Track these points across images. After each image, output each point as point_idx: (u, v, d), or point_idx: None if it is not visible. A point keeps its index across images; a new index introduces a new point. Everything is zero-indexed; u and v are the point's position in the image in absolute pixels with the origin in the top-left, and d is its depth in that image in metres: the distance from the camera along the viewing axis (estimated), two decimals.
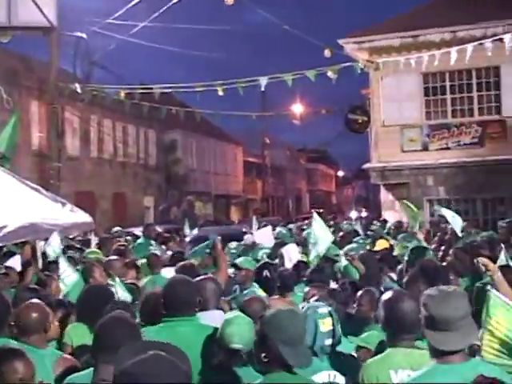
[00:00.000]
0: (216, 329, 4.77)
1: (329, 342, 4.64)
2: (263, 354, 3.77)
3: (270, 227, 15.44)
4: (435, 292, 3.81)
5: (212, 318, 5.22)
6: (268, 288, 7.54)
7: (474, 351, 4.25)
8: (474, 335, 3.81)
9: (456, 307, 3.71)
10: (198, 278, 5.83)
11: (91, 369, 4.03)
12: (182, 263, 7.97)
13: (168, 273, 8.64)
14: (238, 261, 8.65)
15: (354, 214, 27.18)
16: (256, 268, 8.21)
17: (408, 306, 4.29)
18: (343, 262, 8.78)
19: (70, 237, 13.53)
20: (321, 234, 7.40)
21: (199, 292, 5.38)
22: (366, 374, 4.25)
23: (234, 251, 11.70)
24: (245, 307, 5.42)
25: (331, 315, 4.75)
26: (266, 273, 7.81)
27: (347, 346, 5.06)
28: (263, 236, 13.87)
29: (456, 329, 3.66)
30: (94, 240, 13.70)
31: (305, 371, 3.98)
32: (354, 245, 10.40)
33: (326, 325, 4.67)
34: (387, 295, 4.46)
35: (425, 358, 3.91)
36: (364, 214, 44.98)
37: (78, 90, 22.06)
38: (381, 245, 11.87)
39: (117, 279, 7.55)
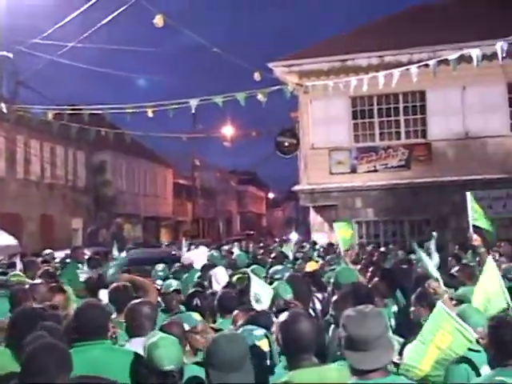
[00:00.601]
0: (129, 351, 4.75)
1: (266, 362, 4.62)
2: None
3: (205, 248, 15.40)
4: (353, 313, 3.84)
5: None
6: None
7: None
8: (391, 354, 3.85)
9: (371, 327, 3.74)
10: (132, 302, 5.75)
11: None
12: (115, 285, 7.82)
13: (104, 295, 8.46)
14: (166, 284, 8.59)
15: (294, 236, 27.27)
16: (186, 296, 8.12)
17: (305, 326, 4.24)
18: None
19: None
20: (260, 291, 7.30)
21: (134, 316, 5.33)
22: None
23: (160, 273, 11.52)
24: (166, 330, 5.34)
25: (267, 337, 4.73)
26: (196, 301, 7.71)
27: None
28: (198, 256, 13.80)
29: (373, 348, 3.69)
30: (19, 263, 13.37)
31: None
32: (278, 267, 10.39)
33: (262, 346, 4.65)
34: (283, 317, 4.41)
35: (334, 373, 3.93)
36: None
37: (4, 110, 21.63)
38: (311, 266, 11.90)
39: None
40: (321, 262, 13.08)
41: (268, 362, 4.63)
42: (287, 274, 8.93)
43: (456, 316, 4.51)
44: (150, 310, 5.66)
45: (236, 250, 18.84)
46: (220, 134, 38.42)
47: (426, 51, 21.26)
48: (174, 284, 8.48)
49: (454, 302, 6.48)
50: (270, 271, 9.38)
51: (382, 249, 16.61)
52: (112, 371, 4.60)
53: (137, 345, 5.13)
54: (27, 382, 3.83)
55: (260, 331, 4.79)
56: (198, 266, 12.48)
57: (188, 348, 5.46)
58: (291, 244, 19.22)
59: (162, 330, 5.39)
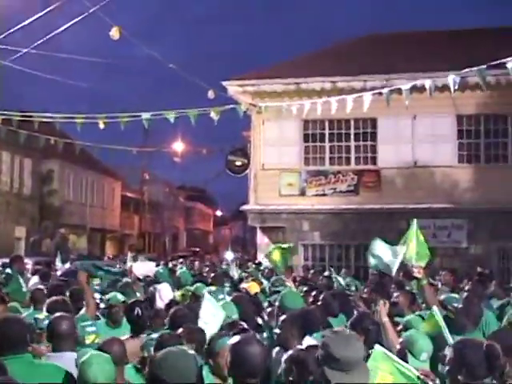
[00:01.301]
0: (50, 365, 4.85)
1: None
2: None
3: (153, 263, 15.33)
4: (336, 334, 3.88)
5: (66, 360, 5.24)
6: (138, 326, 7.39)
7: None
8: (368, 378, 3.88)
9: (356, 349, 3.80)
10: (53, 316, 5.84)
11: None
12: (54, 298, 7.74)
13: None
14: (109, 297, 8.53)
15: (229, 255, 27.26)
16: (127, 305, 8.01)
17: (256, 350, 4.21)
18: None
19: None
20: (209, 315, 7.17)
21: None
22: None
23: (97, 288, 11.29)
24: (105, 348, 5.24)
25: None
26: (137, 310, 7.59)
27: None
28: (145, 269, 13.80)
29: (356, 369, 3.75)
30: None
31: None
32: (212, 288, 10.34)
33: None
34: (234, 339, 4.39)
35: None
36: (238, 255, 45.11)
37: None
38: (253, 288, 11.86)
39: None
40: (266, 283, 13.04)
41: None
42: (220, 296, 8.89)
43: (394, 356, 4.51)
44: (69, 324, 5.74)
45: (180, 268, 18.69)
46: (171, 149, 38.32)
47: (379, 79, 21.52)
48: (120, 297, 8.40)
49: (399, 328, 6.55)
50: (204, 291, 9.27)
51: (326, 273, 16.65)
52: None
53: (56, 359, 5.27)
54: None
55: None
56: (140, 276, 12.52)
57: None
58: (233, 264, 19.15)
59: (102, 346, 5.32)
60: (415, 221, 8.21)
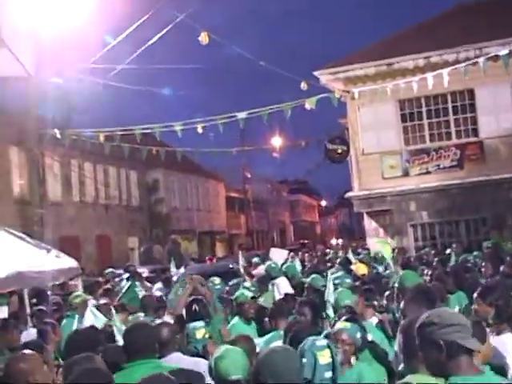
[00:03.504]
0: (177, 368, 5.05)
1: (328, 374, 4.55)
2: None
3: (286, 251, 18.21)
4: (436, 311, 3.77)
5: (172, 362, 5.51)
6: (196, 320, 7.75)
7: None
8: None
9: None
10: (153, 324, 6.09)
11: None
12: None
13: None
14: None
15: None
16: (188, 302, 8.45)
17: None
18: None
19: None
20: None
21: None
22: None
23: (218, 286, 11.47)
24: (236, 344, 5.43)
25: (329, 347, 4.67)
26: (194, 307, 8.22)
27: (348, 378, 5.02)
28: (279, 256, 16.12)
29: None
30: (80, 284, 13.58)
31: None
32: (339, 273, 10.45)
33: (324, 357, 4.58)
34: (406, 321, 4.30)
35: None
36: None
37: (58, 136, 22.04)
38: (361, 269, 12.01)
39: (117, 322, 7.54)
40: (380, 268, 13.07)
41: (330, 373, 4.60)
42: (347, 281, 8.99)
43: None
44: (169, 329, 6.03)
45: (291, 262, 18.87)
46: (269, 145, 38.48)
47: (472, 49, 21.10)
48: (248, 294, 8.63)
49: None
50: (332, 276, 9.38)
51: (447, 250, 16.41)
52: None
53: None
54: None
55: (323, 341, 4.75)
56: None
57: None
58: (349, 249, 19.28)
59: (233, 342, 5.55)
60: None
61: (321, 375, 4.53)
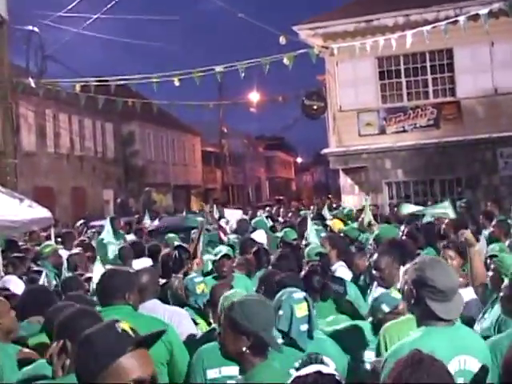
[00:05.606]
0: (149, 316, 5.18)
1: (304, 327, 4.55)
2: (243, 346, 3.82)
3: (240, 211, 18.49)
4: (433, 263, 3.84)
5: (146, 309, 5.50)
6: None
7: None
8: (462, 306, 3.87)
9: (454, 277, 3.86)
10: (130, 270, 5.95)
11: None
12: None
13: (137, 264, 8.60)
14: None
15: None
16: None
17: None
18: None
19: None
20: None
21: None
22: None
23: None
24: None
25: (306, 300, 4.65)
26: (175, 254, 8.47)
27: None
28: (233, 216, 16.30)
29: (455, 299, 3.75)
30: (52, 234, 13.55)
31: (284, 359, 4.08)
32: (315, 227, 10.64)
33: (301, 310, 4.57)
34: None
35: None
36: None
37: (32, 85, 21.73)
38: (336, 225, 12.16)
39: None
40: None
41: (306, 326, 4.60)
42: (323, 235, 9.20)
43: None
44: (150, 275, 6.04)
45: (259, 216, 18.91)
46: (246, 100, 38.28)
47: (452, 8, 21.01)
48: (223, 249, 8.36)
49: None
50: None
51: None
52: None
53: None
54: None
55: (300, 294, 4.72)
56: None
57: None
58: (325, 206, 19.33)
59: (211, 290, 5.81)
60: None
61: (297, 328, 4.53)
